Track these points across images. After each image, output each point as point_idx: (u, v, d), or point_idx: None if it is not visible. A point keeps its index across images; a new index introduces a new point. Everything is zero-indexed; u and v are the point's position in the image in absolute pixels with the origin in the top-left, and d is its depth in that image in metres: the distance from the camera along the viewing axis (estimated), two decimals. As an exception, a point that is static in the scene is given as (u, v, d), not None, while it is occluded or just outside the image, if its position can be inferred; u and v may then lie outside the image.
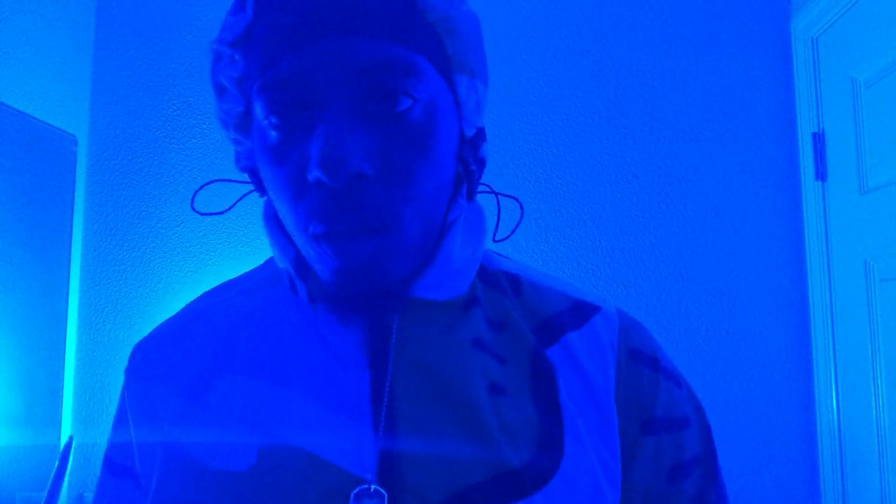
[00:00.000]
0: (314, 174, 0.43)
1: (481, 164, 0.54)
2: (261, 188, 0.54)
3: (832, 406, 1.58)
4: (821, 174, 1.65)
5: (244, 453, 0.47)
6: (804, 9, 1.68)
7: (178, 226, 1.78)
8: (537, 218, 1.75)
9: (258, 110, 0.47)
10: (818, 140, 1.65)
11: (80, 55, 1.83)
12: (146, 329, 1.76)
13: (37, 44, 1.66)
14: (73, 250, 1.77)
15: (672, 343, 1.68)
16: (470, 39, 0.50)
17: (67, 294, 1.73)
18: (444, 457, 0.46)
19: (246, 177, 0.57)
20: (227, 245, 1.76)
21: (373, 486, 0.45)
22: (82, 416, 1.75)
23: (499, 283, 0.56)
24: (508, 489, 0.46)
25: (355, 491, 0.45)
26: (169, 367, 0.54)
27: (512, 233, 0.61)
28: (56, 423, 1.67)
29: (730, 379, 1.68)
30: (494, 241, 0.59)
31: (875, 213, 1.45)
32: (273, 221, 0.53)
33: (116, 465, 0.56)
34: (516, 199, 0.60)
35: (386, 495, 0.44)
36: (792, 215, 1.72)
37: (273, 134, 0.46)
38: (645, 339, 0.57)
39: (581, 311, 0.55)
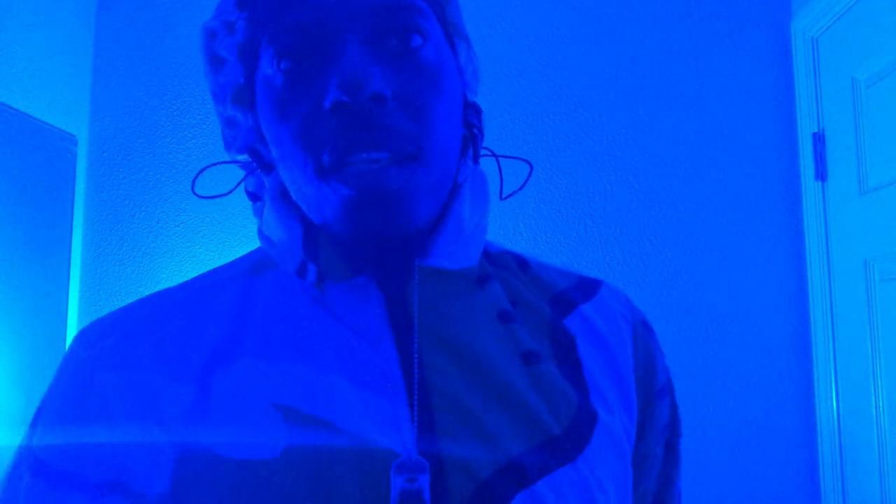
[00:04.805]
0: (333, 96, 0.43)
1: (482, 132, 0.55)
2: (264, 166, 0.53)
3: (832, 406, 1.58)
4: (821, 174, 1.65)
5: (273, 440, 0.44)
6: (804, 9, 1.68)
7: (178, 226, 1.78)
8: (537, 217, 1.74)
9: (266, 62, 0.47)
10: (818, 140, 1.65)
11: (80, 55, 1.83)
12: (146, 329, 1.76)
13: (37, 44, 1.66)
14: (73, 250, 1.77)
15: (672, 343, 1.68)
16: (460, 12, 0.53)
17: (67, 294, 1.73)
18: (485, 430, 0.45)
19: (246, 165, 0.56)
20: (228, 245, 1.76)
21: (413, 457, 0.43)
22: (82, 416, 1.75)
23: (506, 262, 0.58)
24: (552, 456, 0.46)
25: (396, 463, 0.43)
26: (161, 355, 0.48)
27: (521, 188, 0.60)
28: (56, 423, 1.67)
29: (730, 379, 1.68)
30: (502, 198, 0.59)
31: (875, 213, 1.45)
32: (279, 199, 0.52)
33: (88, 481, 0.45)
34: (526, 161, 0.60)
35: (427, 464, 0.43)
36: (792, 215, 1.72)
37: (283, 80, 0.46)
38: (642, 311, 0.60)
39: (587, 285, 0.58)
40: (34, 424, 0.49)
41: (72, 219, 1.76)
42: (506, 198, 0.59)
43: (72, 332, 1.76)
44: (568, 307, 0.55)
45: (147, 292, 1.96)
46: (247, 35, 0.50)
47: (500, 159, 0.57)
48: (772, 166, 1.74)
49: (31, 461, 0.47)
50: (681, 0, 1.79)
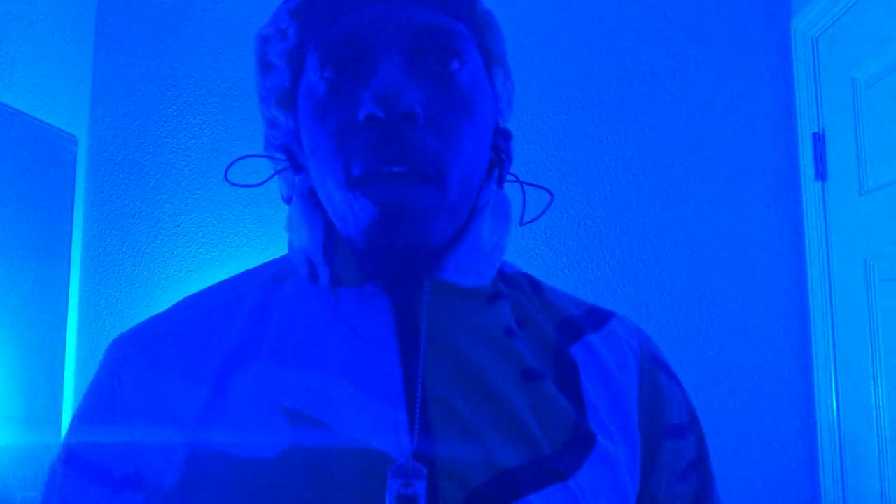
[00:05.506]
0: (367, 108, 0.45)
1: (510, 157, 0.57)
2: (296, 166, 0.55)
3: (832, 406, 1.58)
4: (821, 174, 1.65)
5: (274, 440, 0.46)
6: (804, 9, 1.68)
7: (178, 226, 1.78)
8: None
9: (311, 69, 0.50)
10: (818, 140, 1.65)
11: (80, 55, 1.83)
12: (146, 329, 1.76)
13: (37, 44, 1.66)
14: (73, 250, 1.77)
15: (672, 343, 1.68)
16: (502, 41, 0.55)
17: (67, 294, 1.73)
18: (480, 440, 0.46)
19: (268, 161, 0.58)
20: (228, 246, 1.76)
21: (410, 462, 0.45)
22: (82, 416, 1.75)
23: (518, 283, 0.58)
24: (544, 473, 0.46)
25: (393, 467, 0.44)
26: (182, 358, 0.51)
27: (540, 216, 0.63)
28: (56, 423, 1.67)
29: (730, 379, 1.68)
30: (521, 224, 0.62)
31: (875, 213, 1.45)
32: (306, 198, 0.54)
33: (112, 475, 0.49)
34: (547, 189, 0.61)
35: (424, 471, 0.44)
36: (792, 215, 1.72)
37: (324, 87, 0.49)
38: (657, 347, 0.59)
39: (598, 316, 0.58)
40: (72, 420, 0.54)
41: (72, 219, 1.76)
42: (524, 224, 0.61)
43: (72, 332, 1.76)
44: (575, 334, 0.55)
45: (147, 292, 1.95)
46: (296, 42, 0.52)
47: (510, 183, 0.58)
48: (772, 166, 1.74)
49: (66, 453, 0.52)
50: (681, 0, 1.79)
